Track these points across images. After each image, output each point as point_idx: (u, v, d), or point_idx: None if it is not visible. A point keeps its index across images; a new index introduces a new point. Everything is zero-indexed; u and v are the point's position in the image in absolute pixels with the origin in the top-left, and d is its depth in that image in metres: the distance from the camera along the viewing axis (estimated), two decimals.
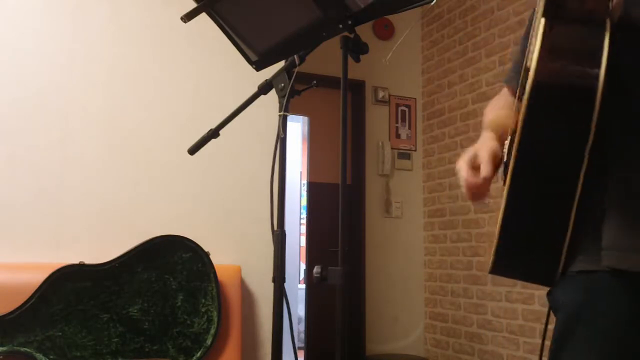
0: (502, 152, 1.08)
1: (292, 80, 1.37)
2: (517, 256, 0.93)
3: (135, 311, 2.47)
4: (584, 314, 0.91)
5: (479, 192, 1.02)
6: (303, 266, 5.48)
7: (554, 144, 0.81)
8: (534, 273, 0.96)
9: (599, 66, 0.76)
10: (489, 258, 0.98)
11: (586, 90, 0.76)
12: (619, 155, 0.87)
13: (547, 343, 0.96)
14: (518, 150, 0.82)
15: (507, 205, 0.88)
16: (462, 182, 1.02)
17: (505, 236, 0.90)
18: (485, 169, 0.97)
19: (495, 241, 0.91)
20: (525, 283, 3.47)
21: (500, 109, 1.25)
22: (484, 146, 1.04)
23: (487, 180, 0.98)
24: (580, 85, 0.77)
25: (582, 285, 0.91)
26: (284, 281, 1.34)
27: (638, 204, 0.86)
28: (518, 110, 0.95)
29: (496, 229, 0.92)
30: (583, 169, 0.80)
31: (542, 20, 0.80)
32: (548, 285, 0.96)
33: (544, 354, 1.07)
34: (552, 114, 0.80)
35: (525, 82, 0.86)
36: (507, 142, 1.11)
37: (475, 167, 1.00)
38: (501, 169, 1.09)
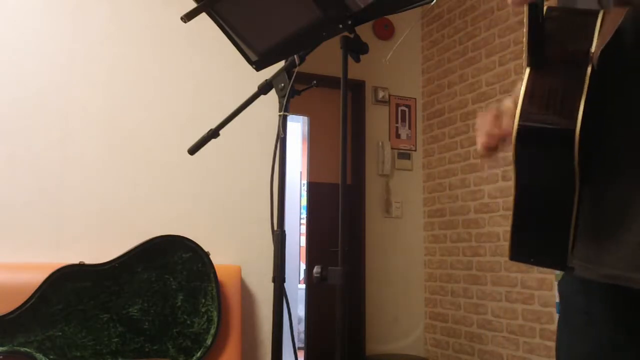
0: None
1: (292, 80, 1.37)
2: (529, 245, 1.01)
3: (135, 311, 2.47)
4: (578, 304, 0.99)
5: (493, 150, 1.06)
6: (303, 266, 5.48)
7: (546, 182, 0.90)
8: (548, 255, 1.04)
9: (577, 107, 0.82)
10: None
11: (565, 130, 0.82)
12: (592, 172, 0.92)
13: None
14: (516, 188, 0.91)
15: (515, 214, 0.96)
16: (484, 135, 1.05)
17: (516, 237, 0.97)
18: (507, 121, 1.01)
19: (509, 245, 0.99)
20: (526, 283, 3.48)
21: None
22: (507, 109, 1.05)
23: (505, 136, 1.02)
24: (559, 125, 0.83)
25: (579, 279, 0.96)
26: (284, 281, 1.34)
27: (603, 219, 0.91)
28: None
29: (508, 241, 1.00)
30: (576, 196, 0.88)
31: (527, 69, 0.87)
32: (561, 269, 1.03)
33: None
34: (536, 154, 0.87)
35: None
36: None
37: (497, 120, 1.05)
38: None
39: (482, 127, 1.06)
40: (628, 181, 0.88)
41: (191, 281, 2.56)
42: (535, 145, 0.86)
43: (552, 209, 0.93)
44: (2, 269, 2.38)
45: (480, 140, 1.06)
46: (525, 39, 0.86)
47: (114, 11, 2.79)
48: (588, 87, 0.84)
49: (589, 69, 0.85)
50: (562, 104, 0.85)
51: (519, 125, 0.85)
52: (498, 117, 1.04)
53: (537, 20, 0.85)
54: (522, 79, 0.94)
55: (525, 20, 0.85)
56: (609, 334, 0.94)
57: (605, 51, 0.85)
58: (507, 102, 1.07)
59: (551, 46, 0.88)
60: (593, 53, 0.86)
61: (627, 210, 0.87)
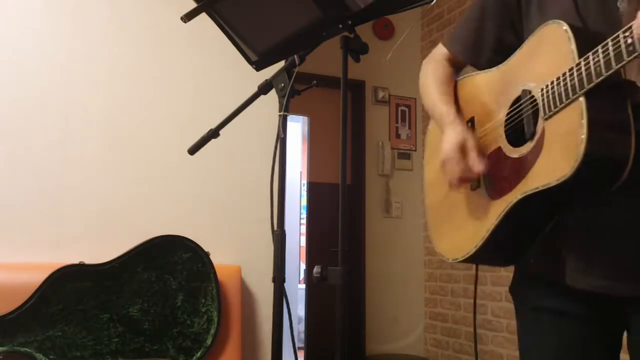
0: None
1: (292, 80, 1.37)
2: (487, 259, 1.21)
3: (135, 311, 2.47)
4: (545, 305, 1.09)
5: (461, 183, 1.15)
6: (303, 266, 5.48)
7: (568, 194, 0.97)
8: (497, 263, 1.29)
9: (630, 137, 0.88)
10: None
11: (621, 162, 0.88)
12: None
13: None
14: (535, 194, 0.97)
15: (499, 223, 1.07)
16: (459, 171, 1.13)
17: (487, 244, 1.10)
18: (479, 167, 1.11)
19: (479, 244, 1.11)
20: None
21: (444, 82, 1.29)
22: (471, 137, 1.13)
23: (476, 176, 1.13)
24: (617, 159, 0.89)
25: (544, 283, 1.08)
26: (284, 281, 1.34)
27: (593, 234, 1.00)
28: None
29: (480, 233, 1.12)
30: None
31: (583, 100, 0.89)
32: (504, 266, 1.24)
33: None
34: (591, 175, 0.91)
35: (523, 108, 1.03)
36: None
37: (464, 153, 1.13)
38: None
39: (452, 173, 1.14)
40: (617, 205, 0.96)
41: (191, 281, 2.56)
42: (591, 169, 0.89)
43: (541, 220, 1.04)
44: (2, 269, 2.38)
45: (455, 179, 1.15)
46: (598, 80, 0.86)
47: (114, 11, 2.79)
48: (634, 116, 0.88)
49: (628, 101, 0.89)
50: (620, 134, 0.88)
51: (586, 150, 0.87)
52: (466, 159, 1.12)
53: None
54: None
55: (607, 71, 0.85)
56: (580, 329, 1.06)
57: None
58: (459, 135, 1.14)
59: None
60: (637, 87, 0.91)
61: (617, 229, 0.97)
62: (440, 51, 1.34)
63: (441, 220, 1.29)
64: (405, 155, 4.53)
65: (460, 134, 1.13)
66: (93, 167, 2.66)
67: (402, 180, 4.49)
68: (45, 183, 2.57)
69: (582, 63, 0.89)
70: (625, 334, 1.06)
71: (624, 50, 0.82)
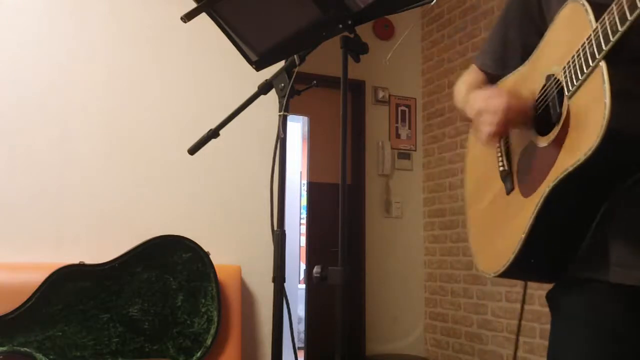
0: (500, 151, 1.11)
1: (292, 80, 1.37)
2: (528, 268, 1.03)
3: (135, 311, 2.47)
4: (587, 316, 0.97)
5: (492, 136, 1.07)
6: (303, 266, 5.48)
7: (599, 179, 0.88)
8: (539, 277, 1.11)
9: None
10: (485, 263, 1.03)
11: None
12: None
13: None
14: (562, 180, 0.89)
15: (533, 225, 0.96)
16: (503, 104, 1.05)
17: (525, 249, 0.98)
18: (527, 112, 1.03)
19: (516, 250, 0.99)
20: (526, 283, 3.48)
21: (477, 86, 1.26)
22: (517, 99, 1.06)
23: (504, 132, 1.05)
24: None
25: (587, 291, 0.97)
26: (284, 281, 1.34)
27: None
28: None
29: (512, 244, 1.00)
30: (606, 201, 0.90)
31: (603, 64, 0.82)
32: (549, 282, 1.05)
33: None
34: (614, 154, 0.84)
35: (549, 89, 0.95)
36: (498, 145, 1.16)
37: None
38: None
39: (494, 114, 1.05)
40: None
41: (191, 281, 2.56)
42: (616, 146, 0.83)
43: (580, 216, 0.93)
44: (2, 269, 2.38)
45: (490, 129, 1.06)
46: (615, 39, 0.80)
47: (114, 11, 2.79)
48: None
49: None
50: None
51: (608, 124, 0.80)
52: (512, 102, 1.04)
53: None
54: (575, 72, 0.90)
55: (629, 13, 0.78)
56: (624, 345, 0.94)
57: None
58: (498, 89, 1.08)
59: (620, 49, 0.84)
60: None
61: None
62: (473, 68, 1.33)
63: (480, 235, 1.23)
64: (405, 155, 4.53)
65: (501, 95, 1.09)
66: (93, 167, 2.66)
67: (402, 180, 4.49)
68: (45, 183, 2.57)
69: (599, 26, 0.84)
70: None
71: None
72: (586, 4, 0.89)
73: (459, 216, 4.09)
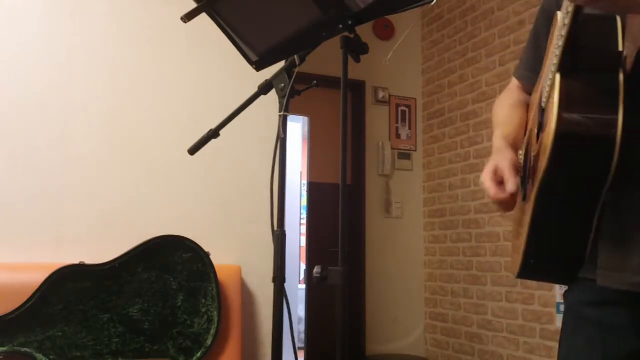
0: (519, 160, 1.12)
1: (292, 80, 1.37)
2: (535, 269, 1.04)
3: (135, 311, 2.47)
4: (587, 315, 0.99)
5: (507, 205, 1.09)
6: (303, 266, 5.48)
7: (573, 185, 0.88)
8: (555, 278, 1.12)
9: (616, 113, 0.80)
10: (514, 265, 1.09)
11: (605, 139, 0.80)
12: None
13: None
14: (539, 189, 0.90)
15: (531, 227, 0.97)
16: (491, 197, 1.08)
17: (527, 253, 0.99)
18: (510, 185, 1.04)
19: (521, 257, 1.01)
20: (526, 283, 3.48)
21: (510, 107, 1.25)
22: (503, 159, 1.09)
23: (514, 194, 1.05)
24: (599, 134, 0.81)
25: (588, 289, 0.98)
26: (284, 281, 1.34)
27: (628, 227, 0.91)
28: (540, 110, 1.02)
29: (521, 246, 1.02)
30: (599, 203, 0.88)
31: (558, 75, 0.83)
32: (566, 283, 1.07)
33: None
34: (572, 160, 0.84)
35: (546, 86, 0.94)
36: (520, 152, 1.14)
37: (498, 180, 1.07)
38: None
39: (491, 197, 1.08)
40: None
41: (191, 281, 2.56)
42: (571, 153, 0.83)
43: (572, 220, 0.93)
44: (2, 269, 2.38)
45: (495, 206, 1.09)
46: (562, 43, 0.81)
47: (114, 11, 2.79)
48: (624, 93, 0.81)
49: (621, 75, 0.83)
50: (600, 110, 0.82)
51: (556, 131, 0.81)
52: (497, 181, 1.07)
53: (576, 23, 0.80)
54: (546, 87, 0.92)
55: (569, 22, 0.79)
56: (625, 344, 0.94)
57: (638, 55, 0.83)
58: (496, 163, 1.09)
59: (578, 51, 0.84)
60: (626, 57, 0.84)
61: None
62: (513, 82, 1.32)
63: (511, 238, 1.24)
64: (405, 155, 4.53)
65: (492, 161, 1.11)
66: (93, 167, 2.66)
67: (402, 180, 4.49)
68: (45, 183, 2.57)
69: (562, 37, 0.84)
70: None
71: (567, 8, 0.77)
72: (558, 13, 0.90)
73: (459, 216, 4.09)
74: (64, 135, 2.63)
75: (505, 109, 1.26)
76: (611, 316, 0.95)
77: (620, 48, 0.84)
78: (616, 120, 0.80)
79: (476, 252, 3.91)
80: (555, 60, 0.86)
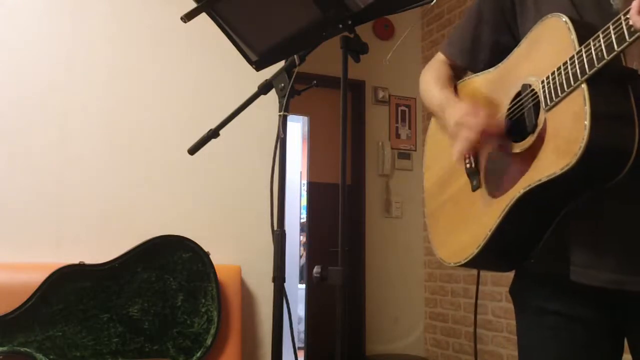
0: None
1: (292, 80, 1.37)
2: (488, 261, 1.14)
3: (135, 311, 2.47)
4: (549, 307, 1.06)
5: (489, 139, 1.08)
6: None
7: (573, 187, 0.94)
8: (498, 268, 1.22)
9: (633, 124, 0.86)
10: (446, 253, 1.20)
11: (625, 151, 0.86)
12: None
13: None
14: (531, 190, 0.96)
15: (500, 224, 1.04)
16: (479, 126, 1.06)
17: (489, 244, 1.06)
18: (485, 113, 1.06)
19: (481, 245, 1.08)
20: None
21: (447, 83, 1.27)
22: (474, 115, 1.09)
23: (505, 138, 1.06)
24: (621, 148, 0.87)
25: (548, 284, 1.06)
26: (284, 281, 1.34)
27: (602, 229, 0.97)
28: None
29: (478, 238, 1.09)
30: (567, 208, 0.97)
31: (585, 86, 0.88)
32: (506, 270, 1.17)
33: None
34: (591, 168, 0.89)
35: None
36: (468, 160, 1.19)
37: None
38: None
39: (471, 132, 1.07)
40: (627, 196, 0.93)
41: (191, 281, 2.56)
42: (593, 162, 0.88)
43: (542, 218, 1.00)
44: (2, 269, 2.38)
45: (466, 145, 1.08)
46: (609, 57, 0.84)
47: (114, 11, 2.79)
48: (637, 106, 0.87)
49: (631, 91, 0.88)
50: (622, 125, 0.87)
51: (588, 142, 0.85)
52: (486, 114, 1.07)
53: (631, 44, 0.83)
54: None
55: (632, 39, 0.82)
56: (589, 334, 1.04)
57: None
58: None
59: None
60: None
61: (629, 220, 0.94)
62: (439, 57, 1.34)
63: (442, 226, 1.26)
64: (405, 155, 4.53)
65: (468, 103, 1.12)
66: (93, 167, 2.66)
67: (402, 180, 4.49)
68: (45, 183, 2.57)
69: (584, 50, 0.88)
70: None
71: (625, 32, 0.80)
72: (569, 22, 0.92)
73: None
74: (64, 136, 2.63)
75: (437, 81, 1.28)
76: (578, 308, 1.02)
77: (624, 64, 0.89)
78: (634, 132, 0.86)
79: None
80: (576, 69, 0.88)
